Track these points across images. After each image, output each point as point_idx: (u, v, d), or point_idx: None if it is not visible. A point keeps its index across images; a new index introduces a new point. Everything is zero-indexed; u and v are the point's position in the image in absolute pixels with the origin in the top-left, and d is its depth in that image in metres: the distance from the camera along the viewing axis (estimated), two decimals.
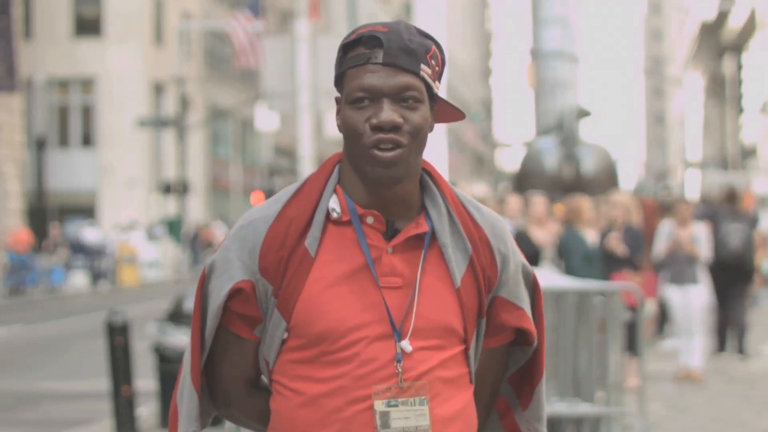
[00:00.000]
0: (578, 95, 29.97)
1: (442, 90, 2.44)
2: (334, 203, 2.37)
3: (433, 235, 2.38)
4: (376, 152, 2.30)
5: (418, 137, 2.34)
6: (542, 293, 2.52)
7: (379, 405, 2.30)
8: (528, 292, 2.48)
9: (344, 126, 2.35)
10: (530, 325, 2.45)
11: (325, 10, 53.69)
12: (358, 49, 2.34)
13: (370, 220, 2.35)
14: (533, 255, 10.75)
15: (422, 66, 2.33)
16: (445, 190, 2.42)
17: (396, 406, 2.31)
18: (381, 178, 2.32)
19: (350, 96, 2.33)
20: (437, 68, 2.37)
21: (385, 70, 2.31)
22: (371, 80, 2.31)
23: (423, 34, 2.36)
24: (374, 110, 2.31)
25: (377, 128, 2.30)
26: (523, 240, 10.87)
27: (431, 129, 2.39)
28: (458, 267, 2.37)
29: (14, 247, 31.03)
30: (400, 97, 2.31)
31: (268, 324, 2.38)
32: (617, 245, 10.74)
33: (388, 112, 2.30)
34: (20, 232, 32.73)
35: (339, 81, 2.37)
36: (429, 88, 2.36)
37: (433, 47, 2.37)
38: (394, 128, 2.30)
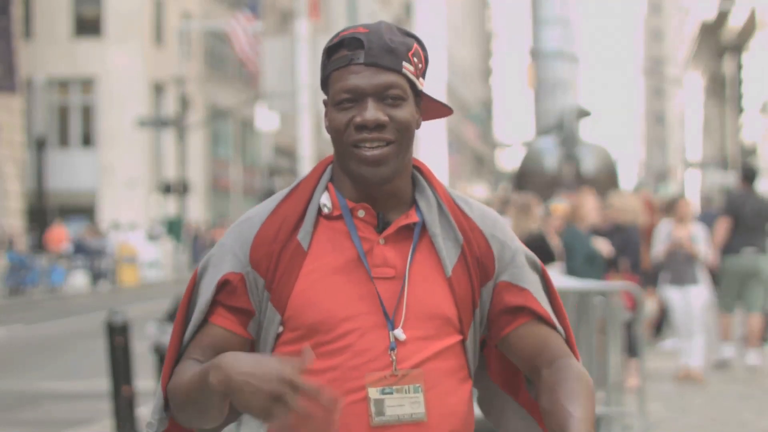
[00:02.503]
0: (578, 95, 29.95)
1: (441, 89, 2.49)
2: (325, 199, 2.41)
3: (423, 227, 2.41)
4: (361, 150, 2.34)
5: (406, 134, 2.37)
6: (549, 275, 2.52)
7: (374, 392, 2.31)
8: (537, 276, 2.48)
9: (331, 127, 2.39)
10: (536, 305, 2.44)
11: (325, 10, 53.68)
12: (340, 52, 2.38)
13: (361, 213, 2.39)
14: (548, 258, 10.73)
15: (404, 64, 2.36)
16: (435, 184, 2.46)
17: (390, 393, 2.32)
18: (368, 176, 2.35)
19: (335, 98, 2.37)
20: (420, 65, 2.40)
21: (368, 70, 2.34)
22: (354, 81, 2.34)
23: (404, 33, 2.40)
24: (358, 110, 2.35)
25: (361, 127, 2.34)
26: (539, 243, 10.85)
27: (418, 126, 2.42)
28: (449, 256, 2.40)
29: (50, 246, 31.60)
30: (384, 96, 2.35)
31: (263, 320, 2.39)
32: (603, 247, 10.75)
33: (372, 111, 2.33)
34: (58, 231, 33.25)
35: (324, 84, 2.42)
36: (413, 86, 2.39)
37: (415, 45, 2.40)
38: (379, 127, 2.34)
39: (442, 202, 2.44)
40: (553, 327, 2.44)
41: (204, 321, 2.41)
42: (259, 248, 2.39)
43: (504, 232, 2.47)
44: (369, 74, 2.34)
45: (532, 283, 2.45)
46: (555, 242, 11.04)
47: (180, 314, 2.45)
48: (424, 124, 2.53)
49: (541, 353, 2.42)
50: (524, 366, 2.45)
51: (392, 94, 2.35)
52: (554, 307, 2.49)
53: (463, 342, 2.41)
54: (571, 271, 10.01)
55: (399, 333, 2.34)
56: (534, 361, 2.43)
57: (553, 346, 2.43)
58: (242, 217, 2.47)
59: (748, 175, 12.81)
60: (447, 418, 2.36)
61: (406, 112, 2.36)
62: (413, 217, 2.40)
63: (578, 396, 2.33)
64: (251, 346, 2.44)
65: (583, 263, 10.18)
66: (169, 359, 2.44)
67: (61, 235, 34.15)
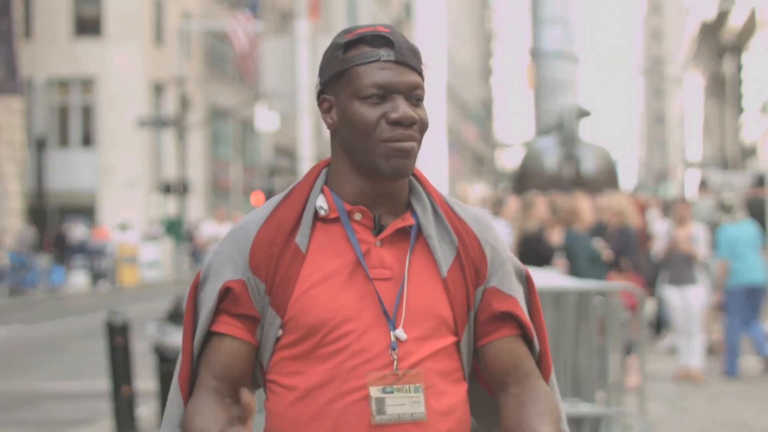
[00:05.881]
0: (578, 95, 29.98)
1: (441, 89, 2.51)
2: (321, 202, 2.42)
3: (419, 229, 2.43)
4: (394, 144, 2.35)
5: (423, 134, 2.41)
6: (536, 288, 2.54)
7: (375, 391, 2.32)
8: (522, 288, 2.50)
9: (354, 122, 2.37)
10: (522, 315, 2.46)
11: (325, 10, 53.68)
12: (361, 48, 2.38)
13: (357, 216, 2.40)
14: (549, 255, 10.72)
15: (422, 67, 2.43)
16: (429, 188, 2.48)
17: (391, 392, 2.33)
18: (398, 168, 2.36)
19: (362, 92, 2.36)
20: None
21: (397, 68, 2.37)
22: (386, 77, 2.36)
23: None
24: (391, 106, 2.36)
25: (397, 123, 2.35)
26: (540, 240, 10.84)
27: None
28: (444, 258, 2.41)
29: (95, 238, 33.32)
30: (411, 95, 2.38)
31: (264, 324, 2.40)
32: (602, 250, 10.75)
33: (405, 108, 2.36)
34: (101, 229, 34.02)
35: (337, 79, 2.40)
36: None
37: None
38: (411, 124, 2.37)
39: (437, 205, 2.46)
40: (531, 340, 2.46)
41: (210, 331, 2.42)
42: (258, 253, 2.39)
43: (496, 238, 2.49)
44: (399, 72, 2.36)
45: (517, 292, 2.48)
46: (554, 240, 11.03)
47: (186, 325, 2.45)
48: None
49: (514, 371, 2.45)
50: (492, 378, 2.47)
51: (417, 95, 2.38)
52: (534, 319, 2.50)
53: (457, 344, 2.43)
54: (575, 272, 10.01)
55: (400, 333, 2.35)
56: (504, 376, 2.45)
57: (526, 367, 2.46)
58: (238, 223, 2.47)
59: (760, 180, 14.99)
60: (444, 417, 2.37)
61: (426, 113, 2.41)
62: (409, 220, 2.42)
63: (546, 415, 2.38)
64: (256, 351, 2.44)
65: (586, 264, 10.18)
66: (184, 373, 2.44)
67: (105, 232, 35.34)
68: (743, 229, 12.19)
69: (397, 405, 2.33)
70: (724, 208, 12.79)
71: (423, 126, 2.39)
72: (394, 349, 2.34)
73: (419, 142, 2.39)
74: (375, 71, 2.36)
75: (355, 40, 2.38)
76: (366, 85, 2.36)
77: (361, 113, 2.36)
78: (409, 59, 2.37)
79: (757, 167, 38.57)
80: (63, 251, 32.87)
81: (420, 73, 2.40)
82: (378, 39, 2.37)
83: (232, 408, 2.39)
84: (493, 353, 2.45)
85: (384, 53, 2.36)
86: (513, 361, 2.45)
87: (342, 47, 2.39)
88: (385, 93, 2.36)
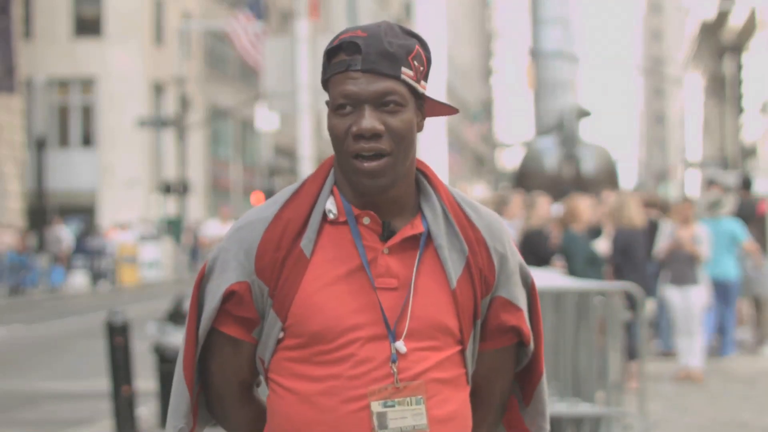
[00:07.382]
0: (578, 95, 29.97)
1: (441, 90, 2.45)
2: (330, 204, 2.38)
3: (428, 236, 2.38)
4: (359, 162, 2.31)
5: (403, 142, 2.33)
6: (538, 295, 2.52)
7: (376, 405, 2.31)
8: (525, 294, 2.48)
9: (331, 133, 2.36)
10: (526, 327, 2.45)
11: (325, 10, 53.69)
12: (339, 56, 2.34)
13: (366, 221, 2.36)
14: (549, 256, 10.71)
15: (403, 69, 2.32)
16: (440, 190, 2.42)
17: (393, 406, 2.31)
18: (366, 187, 2.32)
19: (334, 102, 2.34)
20: (421, 68, 2.36)
21: (365, 77, 2.31)
22: (351, 87, 2.30)
23: (407, 33, 2.36)
24: (356, 117, 2.31)
25: (358, 136, 2.31)
26: (542, 240, 10.83)
27: (420, 128, 2.39)
28: (454, 268, 2.37)
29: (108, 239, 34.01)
30: (381, 103, 2.31)
31: (264, 324, 2.39)
32: (602, 248, 10.73)
33: (368, 120, 2.30)
34: (112, 230, 34.30)
35: (325, 87, 2.39)
36: (413, 90, 2.35)
37: (417, 47, 2.35)
38: (375, 136, 2.30)
39: (448, 209, 2.40)
40: (526, 346, 2.47)
41: (212, 328, 2.42)
42: (264, 256, 2.37)
43: (504, 244, 2.45)
44: (366, 81, 2.30)
45: (523, 301, 2.46)
46: (554, 241, 11.02)
47: (190, 316, 2.45)
48: (425, 123, 2.50)
49: (491, 395, 2.50)
50: (475, 381, 2.49)
51: (390, 101, 2.31)
52: (533, 325, 2.49)
53: (462, 351, 2.41)
54: (572, 273, 10.00)
55: (400, 345, 2.33)
56: (483, 388, 2.49)
57: (500, 393, 2.51)
58: (243, 220, 2.43)
59: (746, 183, 15.13)
60: (446, 424, 2.36)
61: (403, 119, 2.32)
62: (418, 227, 2.37)
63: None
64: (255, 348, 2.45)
65: (583, 265, 10.16)
66: (189, 364, 2.44)
67: (116, 233, 35.90)
68: (721, 226, 12.55)
69: (399, 418, 2.31)
70: (707, 203, 13.12)
71: (396, 135, 2.31)
72: (394, 361, 2.32)
73: (392, 153, 2.31)
74: (344, 81, 2.31)
75: (336, 48, 2.34)
76: (335, 96, 2.33)
77: (334, 125, 2.34)
78: (379, 66, 2.30)
79: (757, 167, 38.57)
80: (83, 254, 32.92)
81: (397, 77, 2.30)
82: (351, 46, 2.32)
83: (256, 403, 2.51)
84: (484, 361, 2.46)
85: (353, 62, 2.31)
86: (497, 379, 2.48)
87: (326, 55, 2.37)
88: (353, 103, 2.31)
